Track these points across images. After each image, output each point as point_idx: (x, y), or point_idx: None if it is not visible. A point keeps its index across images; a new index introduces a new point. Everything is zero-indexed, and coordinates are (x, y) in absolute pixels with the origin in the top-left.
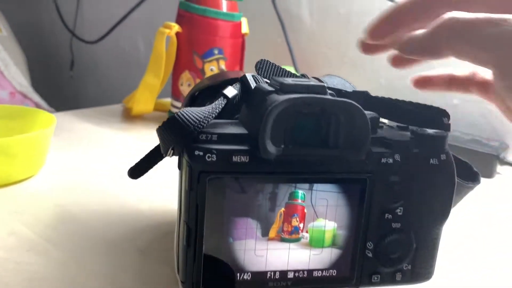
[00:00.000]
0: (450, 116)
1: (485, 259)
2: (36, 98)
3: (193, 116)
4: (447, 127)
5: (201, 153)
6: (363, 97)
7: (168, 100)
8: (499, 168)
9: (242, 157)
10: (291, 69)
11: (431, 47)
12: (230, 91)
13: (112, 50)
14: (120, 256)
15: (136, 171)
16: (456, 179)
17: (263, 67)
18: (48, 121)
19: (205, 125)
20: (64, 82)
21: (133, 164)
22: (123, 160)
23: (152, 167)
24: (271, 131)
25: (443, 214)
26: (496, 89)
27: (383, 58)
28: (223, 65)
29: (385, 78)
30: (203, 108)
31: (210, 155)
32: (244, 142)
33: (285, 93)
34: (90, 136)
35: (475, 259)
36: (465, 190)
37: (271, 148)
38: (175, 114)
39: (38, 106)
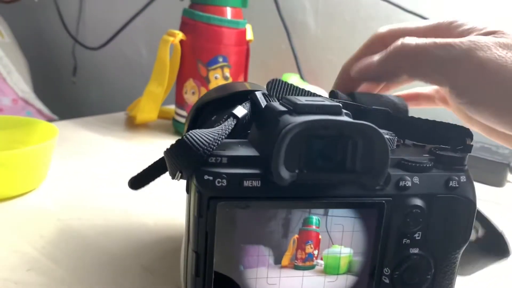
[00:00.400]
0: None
1: (499, 273)
2: (38, 104)
3: (203, 138)
4: (468, 148)
5: (211, 178)
6: (383, 116)
7: (172, 107)
8: (510, 176)
9: (253, 181)
10: (296, 76)
11: (387, 72)
12: (240, 111)
13: (114, 56)
14: (124, 273)
15: (137, 182)
16: (476, 203)
17: (274, 86)
18: (50, 132)
19: (214, 147)
20: (67, 88)
21: (135, 174)
22: (127, 171)
23: (154, 180)
24: (284, 156)
25: (463, 238)
26: (453, 104)
27: None
28: (227, 73)
29: None
30: (212, 129)
31: (220, 179)
32: (255, 165)
33: (299, 114)
34: (93, 145)
35: (490, 274)
36: (490, 263)
37: (285, 174)
38: (184, 137)
39: (40, 112)
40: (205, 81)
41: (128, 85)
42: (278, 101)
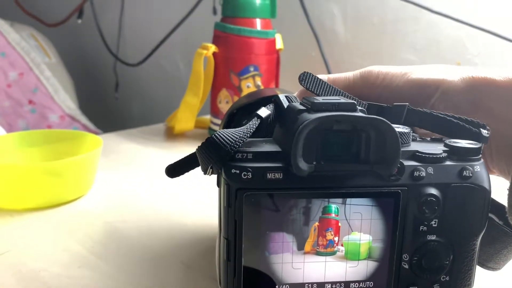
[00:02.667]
0: None
1: None
2: (84, 120)
3: (229, 136)
4: (484, 139)
5: (238, 171)
6: (405, 111)
7: (207, 117)
8: None
9: (276, 174)
10: None
11: None
12: (264, 112)
13: (153, 71)
14: (166, 270)
15: (173, 171)
16: (491, 191)
17: (305, 78)
18: (96, 143)
19: (240, 144)
20: (110, 104)
21: (172, 165)
22: (167, 178)
23: (188, 171)
24: (302, 148)
25: (479, 225)
26: None
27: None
28: (259, 81)
29: None
30: (238, 128)
31: (246, 173)
32: (277, 159)
33: (316, 112)
34: (135, 155)
35: None
36: None
37: (303, 165)
38: (212, 136)
39: (85, 127)
40: (238, 90)
41: (167, 98)
42: (300, 101)
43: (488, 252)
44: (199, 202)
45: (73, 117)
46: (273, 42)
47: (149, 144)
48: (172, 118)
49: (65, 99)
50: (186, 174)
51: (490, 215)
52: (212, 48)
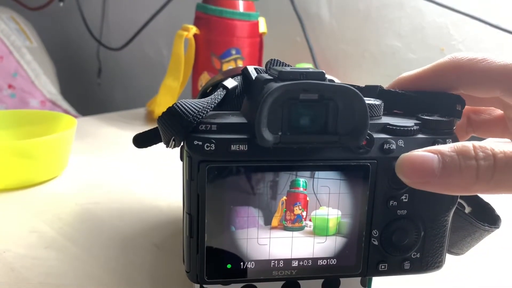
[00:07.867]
0: None
1: (500, 247)
2: (65, 105)
3: (192, 106)
4: (458, 114)
5: (200, 143)
6: (377, 91)
7: None
8: None
9: (240, 145)
10: (310, 66)
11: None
12: (230, 83)
13: (137, 56)
14: (136, 251)
15: (140, 140)
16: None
17: (272, 64)
18: (70, 124)
19: (203, 115)
20: (92, 89)
21: (139, 135)
22: (144, 162)
23: (157, 143)
24: (267, 118)
25: (451, 200)
26: None
27: (403, 51)
28: (241, 65)
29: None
30: (202, 99)
31: (209, 144)
32: (243, 131)
33: (283, 81)
34: (113, 139)
35: (490, 247)
36: (482, 233)
37: (268, 136)
38: (174, 105)
39: (67, 113)
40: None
41: (151, 83)
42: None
43: (452, 239)
44: (175, 186)
45: (54, 102)
46: (256, 25)
47: (128, 128)
48: (153, 102)
49: (46, 84)
50: (165, 157)
51: (459, 200)
52: (193, 29)
